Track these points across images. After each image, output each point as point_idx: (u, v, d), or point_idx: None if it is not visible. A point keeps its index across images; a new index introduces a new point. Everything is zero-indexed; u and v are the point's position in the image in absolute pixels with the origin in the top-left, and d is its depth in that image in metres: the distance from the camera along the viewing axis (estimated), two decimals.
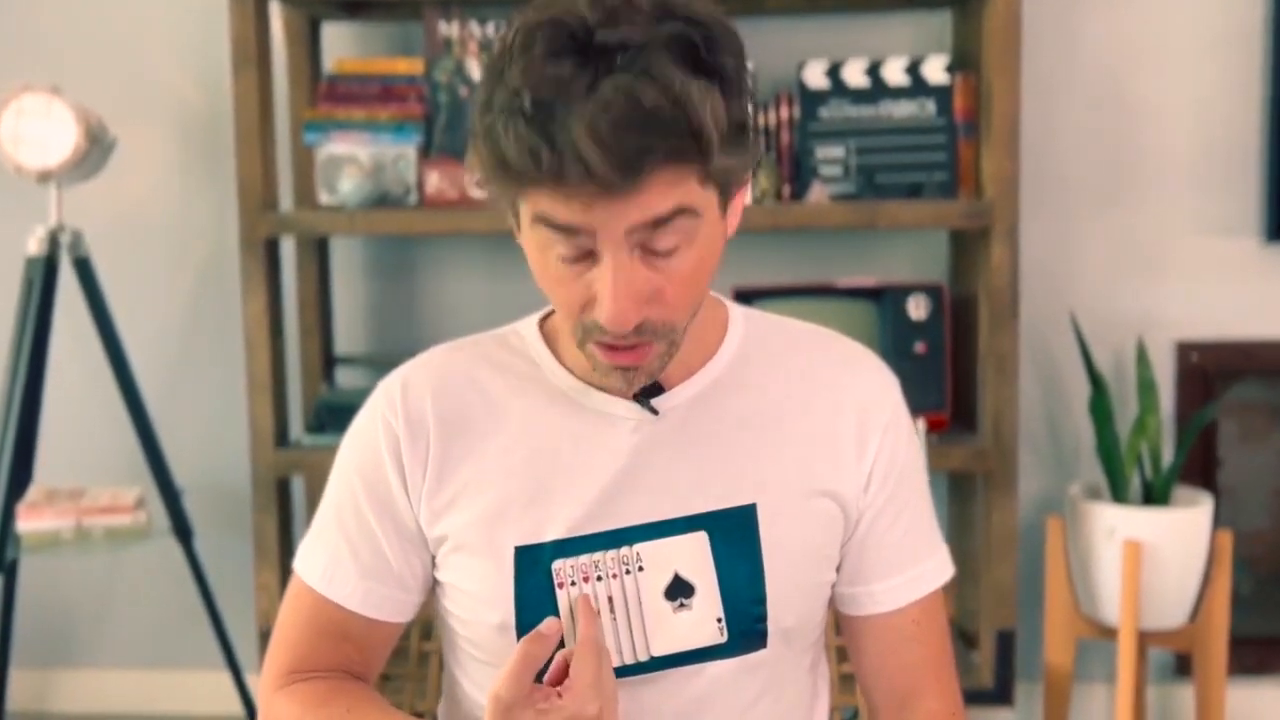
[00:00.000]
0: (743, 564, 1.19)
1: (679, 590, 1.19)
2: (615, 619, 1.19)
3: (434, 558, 1.23)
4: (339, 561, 1.23)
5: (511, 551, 1.18)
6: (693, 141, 1.01)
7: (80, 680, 3.17)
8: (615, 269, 1.05)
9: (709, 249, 1.10)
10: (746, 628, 1.20)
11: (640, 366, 1.12)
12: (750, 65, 2.78)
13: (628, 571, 1.18)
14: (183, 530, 2.75)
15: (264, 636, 2.72)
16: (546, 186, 1.03)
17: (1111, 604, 2.61)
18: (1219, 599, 2.61)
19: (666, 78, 1.00)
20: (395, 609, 1.24)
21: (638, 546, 1.19)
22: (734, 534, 1.19)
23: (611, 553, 1.18)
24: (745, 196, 1.16)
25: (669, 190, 1.03)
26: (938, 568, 1.29)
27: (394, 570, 1.23)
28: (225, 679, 2.85)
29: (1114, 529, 2.57)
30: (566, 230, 1.05)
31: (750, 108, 1.09)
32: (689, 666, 1.20)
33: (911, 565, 1.27)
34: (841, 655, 1.67)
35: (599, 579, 1.18)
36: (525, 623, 1.17)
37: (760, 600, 1.20)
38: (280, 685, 1.24)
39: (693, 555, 1.19)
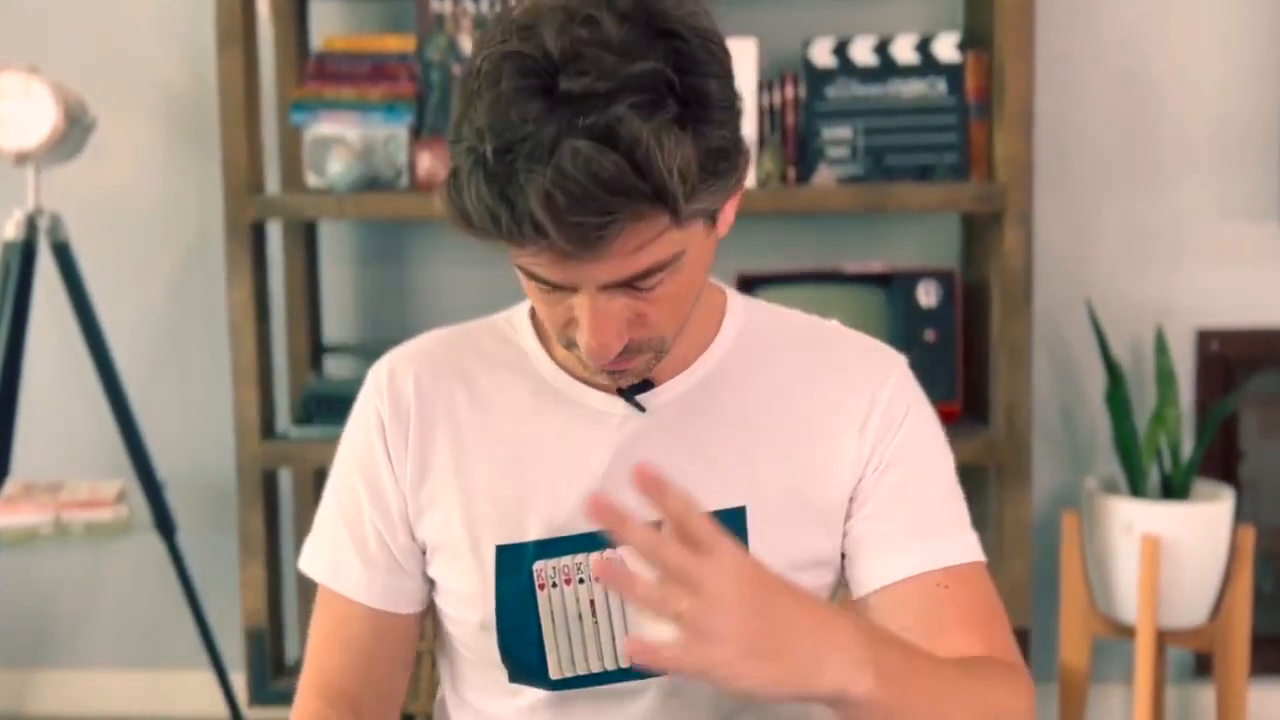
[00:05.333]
0: None
1: None
2: (597, 623, 1.18)
3: (423, 553, 1.23)
4: (342, 552, 1.23)
5: (493, 550, 1.18)
6: (658, 202, 0.98)
7: (59, 681, 3.15)
8: (593, 312, 1.04)
9: (695, 270, 1.09)
10: None
11: (628, 371, 1.13)
12: (754, 42, 2.69)
13: None
14: (165, 525, 2.73)
15: (249, 635, 2.72)
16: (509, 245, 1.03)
17: (1129, 602, 2.59)
18: (1240, 596, 2.60)
19: (632, 135, 0.95)
20: (403, 599, 1.23)
21: (622, 549, 1.15)
22: None
23: (594, 555, 1.16)
24: (736, 202, 1.12)
25: (640, 248, 1.01)
26: (962, 546, 1.19)
27: (395, 557, 1.22)
28: (209, 679, 2.81)
29: (1131, 524, 2.56)
30: (539, 280, 1.05)
31: (738, 121, 1.05)
32: (672, 675, 1.15)
33: (924, 538, 1.18)
34: None
35: (581, 581, 1.17)
36: (505, 624, 1.18)
37: None
38: (306, 709, 1.24)
39: None
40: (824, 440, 1.20)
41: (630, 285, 1.04)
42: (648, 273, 1.03)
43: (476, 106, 0.99)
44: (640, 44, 0.98)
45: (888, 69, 2.68)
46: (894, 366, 1.24)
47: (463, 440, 1.20)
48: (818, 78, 2.69)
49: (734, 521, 1.17)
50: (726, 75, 1.03)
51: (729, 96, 1.03)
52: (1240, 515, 2.68)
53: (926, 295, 2.66)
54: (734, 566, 0.92)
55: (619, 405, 1.19)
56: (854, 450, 1.19)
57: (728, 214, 1.10)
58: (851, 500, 1.20)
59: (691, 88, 0.99)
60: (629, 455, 1.17)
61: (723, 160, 1.02)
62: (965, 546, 1.20)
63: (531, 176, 0.95)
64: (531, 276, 1.05)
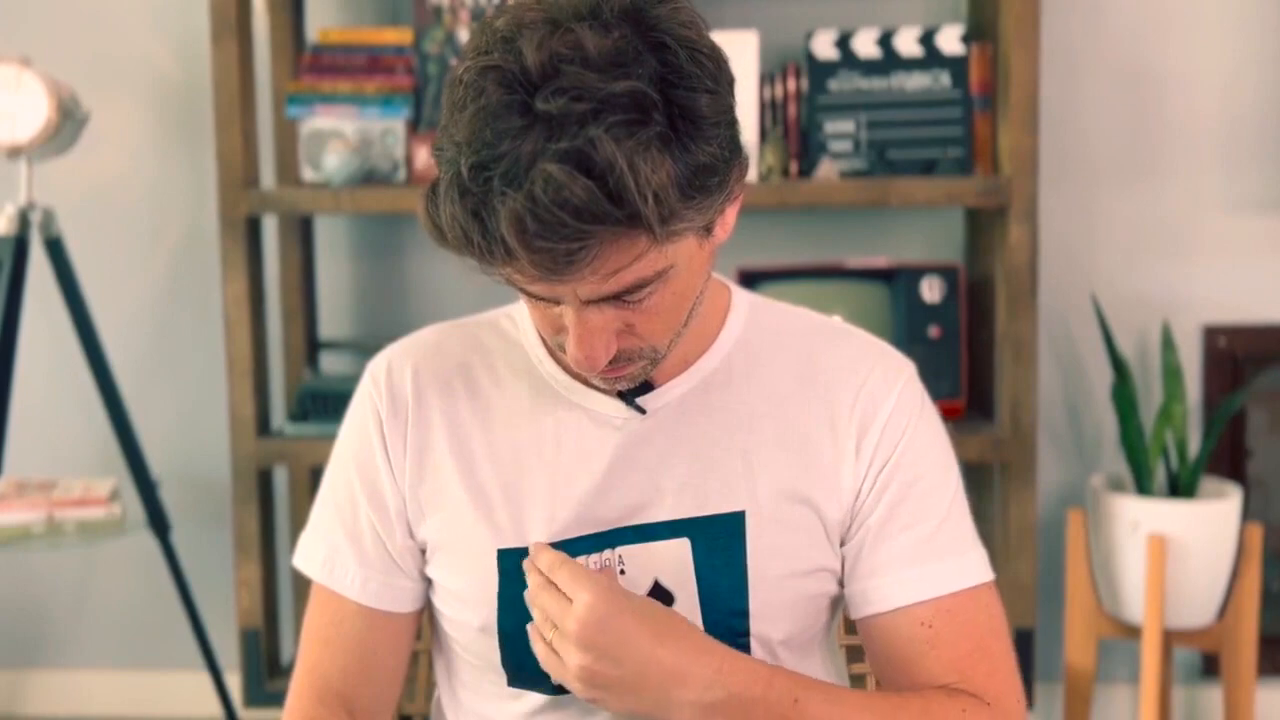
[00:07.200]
0: (725, 574, 1.16)
1: (658, 598, 1.15)
2: None
3: (423, 552, 1.23)
4: (337, 549, 1.22)
5: (494, 554, 1.17)
6: (634, 226, 0.96)
7: (52, 681, 3.13)
8: (578, 324, 1.04)
9: (688, 280, 1.07)
10: (728, 641, 1.14)
11: (622, 378, 1.12)
12: (755, 35, 2.65)
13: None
14: (159, 524, 2.71)
15: (244, 635, 2.71)
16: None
17: (1135, 601, 2.57)
18: (1248, 596, 2.59)
19: (606, 158, 0.94)
20: (400, 598, 1.23)
21: (620, 549, 1.15)
22: (719, 542, 1.15)
23: (594, 555, 1.15)
24: (737, 207, 1.09)
25: (620, 269, 1.00)
26: (958, 570, 1.18)
27: (392, 557, 1.22)
28: (204, 680, 2.82)
29: (1138, 522, 2.54)
30: (524, 291, 1.04)
31: (733, 134, 1.03)
32: None
33: (916, 563, 1.17)
34: (853, 655, 1.59)
35: None
36: (507, 626, 1.16)
37: (743, 613, 1.16)
38: (299, 708, 1.24)
39: (674, 563, 1.15)
40: (826, 446, 1.18)
41: (617, 298, 1.02)
42: (632, 289, 1.02)
43: (457, 119, 0.98)
44: (625, 58, 0.96)
45: (891, 62, 2.66)
46: (900, 373, 1.22)
47: (462, 439, 1.19)
48: (820, 70, 2.67)
49: (732, 526, 1.15)
50: (718, 88, 1.00)
51: (720, 110, 1.00)
52: (1248, 513, 2.66)
53: (930, 291, 2.64)
54: (584, 612, 1.05)
55: (620, 407, 1.18)
56: (853, 460, 1.18)
57: (727, 221, 1.08)
58: (851, 516, 1.18)
59: (679, 103, 0.97)
60: (629, 457, 1.16)
61: (711, 176, 1.00)
62: (963, 569, 1.18)
63: (504, 199, 0.95)
64: (516, 287, 1.04)
